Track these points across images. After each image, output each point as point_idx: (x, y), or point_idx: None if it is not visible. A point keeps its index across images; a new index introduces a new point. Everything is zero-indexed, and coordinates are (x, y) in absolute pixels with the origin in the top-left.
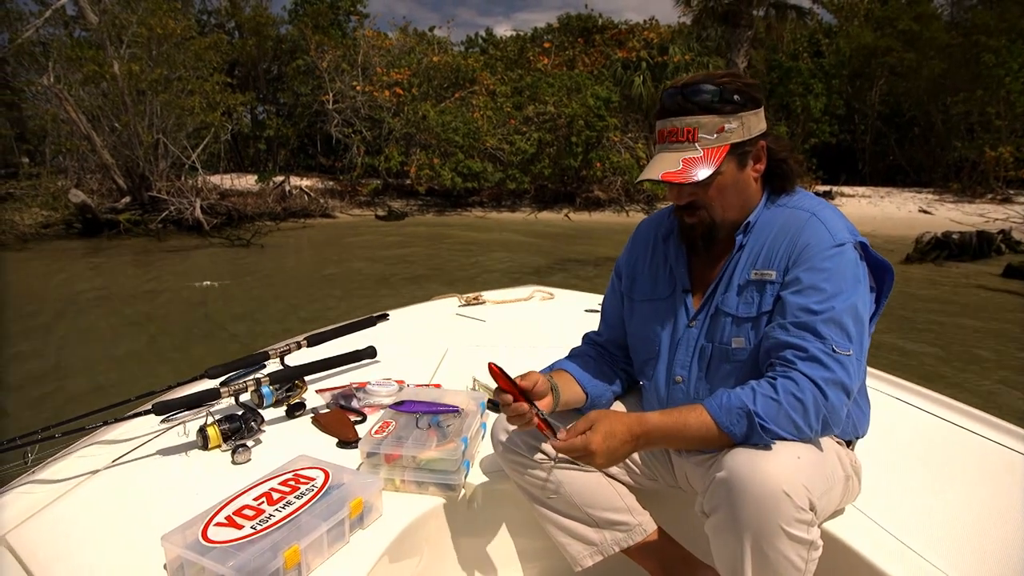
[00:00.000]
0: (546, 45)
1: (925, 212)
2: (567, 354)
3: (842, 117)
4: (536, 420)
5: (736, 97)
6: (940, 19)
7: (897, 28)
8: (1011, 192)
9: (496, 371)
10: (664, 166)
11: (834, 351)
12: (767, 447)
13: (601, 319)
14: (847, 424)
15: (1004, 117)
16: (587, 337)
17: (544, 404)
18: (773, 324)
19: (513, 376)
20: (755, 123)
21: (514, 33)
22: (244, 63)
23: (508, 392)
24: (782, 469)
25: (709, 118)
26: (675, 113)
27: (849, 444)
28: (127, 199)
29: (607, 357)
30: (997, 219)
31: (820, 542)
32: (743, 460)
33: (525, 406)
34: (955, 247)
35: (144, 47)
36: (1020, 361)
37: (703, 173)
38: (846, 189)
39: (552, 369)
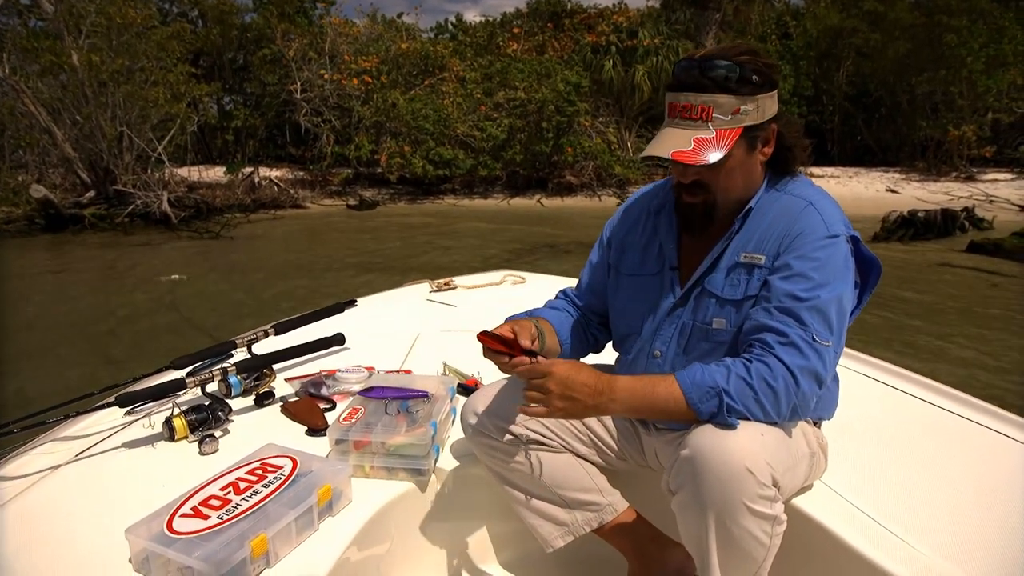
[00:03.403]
0: (515, 30)
1: (892, 191)
2: (545, 304)
3: (810, 98)
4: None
5: (755, 78)
6: None
7: (863, 9)
8: (974, 170)
9: (486, 339)
10: (675, 143)
11: (814, 340)
12: (731, 426)
13: (579, 281)
14: (816, 405)
15: (966, 96)
16: (564, 293)
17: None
18: (757, 307)
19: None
20: (769, 106)
21: (483, 19)
22: (209, 53)
23: (506, 353)
24: (745, 446)
25: (726, 98)
26: (690, 88)
27: (816, 423)
28: (91, 193)
29: (582, 319)
30: (961, 197)
31: (784, 517)
32: (707, 438)
33: (526, 359)
34: (921, 225)
35: (104, 37)
36: (981, 337)
37: (714, 156)
38: (815, 170)
39: (533, 315)
